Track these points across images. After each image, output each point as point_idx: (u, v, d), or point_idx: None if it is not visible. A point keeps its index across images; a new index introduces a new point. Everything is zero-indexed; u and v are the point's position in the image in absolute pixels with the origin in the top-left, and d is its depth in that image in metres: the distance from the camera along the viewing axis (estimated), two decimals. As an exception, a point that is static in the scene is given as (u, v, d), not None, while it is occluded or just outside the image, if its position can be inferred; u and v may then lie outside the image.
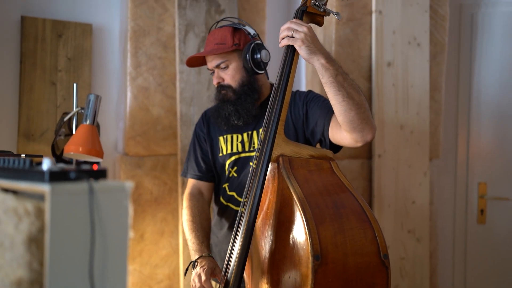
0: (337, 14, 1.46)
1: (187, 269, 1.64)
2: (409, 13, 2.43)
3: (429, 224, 2.48)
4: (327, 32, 2.38)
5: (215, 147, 1.80)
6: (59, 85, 2.15)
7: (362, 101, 1.43)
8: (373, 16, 2.38)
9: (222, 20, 1.80)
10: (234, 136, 1.75)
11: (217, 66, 1.70)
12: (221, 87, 1.71)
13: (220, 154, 1.78)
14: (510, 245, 2.71)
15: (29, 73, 2.09)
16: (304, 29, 1.39)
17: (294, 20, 1.43)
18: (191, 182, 1.84)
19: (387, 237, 2.35)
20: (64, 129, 1.91)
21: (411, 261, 2.40)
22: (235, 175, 1.75)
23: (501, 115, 2.76)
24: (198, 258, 1.62)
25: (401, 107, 2.41)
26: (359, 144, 1.49)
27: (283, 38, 1.43)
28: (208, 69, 1.76)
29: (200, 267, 1.57)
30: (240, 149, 1.74)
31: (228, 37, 1.67)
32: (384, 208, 2.36)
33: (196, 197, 1.79)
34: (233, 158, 1.75)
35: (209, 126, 1.82)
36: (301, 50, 1.39)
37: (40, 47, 2.12)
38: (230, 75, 1.69)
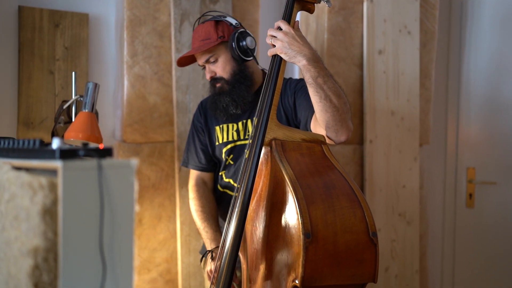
0: (327, 1, 1.51)
1: (203, 257, 1.70)
2: (399, 1, 2.48)
3: (419, 207, 2.55)
4: (320, 20, 2.43)
5: (212, 136, 1.86)
6: (57, 74, 2.19)
7: (341, 104, 1.46)
8: (365, 4, 2.43)
9: (202, 16, 1.85)
10: (230, 125, 1.81)
11: (207, 61, 1.76)
12: (214, 80, 1.77)
13: (217, 143, 1.84)
14: (498, 228, 2.79)
15: (27, 63, 2.13)
16: (281, 35, 1.43)
17: (279, 22, 1.47)
18: (194, 173, 1.90)
19: (378, 220, 2.42)
20: (64, 117, 1.95)
21: (402, 243, 2.48)
22: (231, 162, 1.81)
23: (490, 101, 2.83)
24: (215, 248, 1.69)
25: (392, 94, 2.47)
26: (333, 143, 1.53)
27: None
28: (199, 65, 1.81)
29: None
30: (235, 137, 1.80)
31: (212, 31, 1.72)
32: (375, 192, 2.43)
33: (202, 187, 1.86)
34: (229, 146, 1.81)
35: (206, 117, 1.88)
36: (282, 56, 1.44)
37: (37, 36, 2.15)
38: (221, 67, 1.75)
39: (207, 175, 1.89)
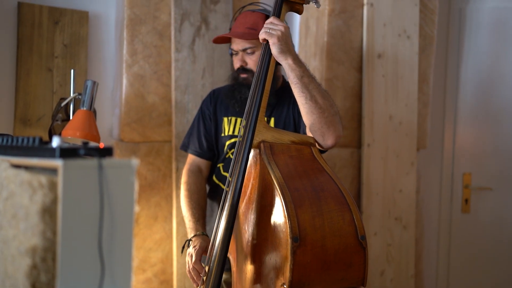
0: (316, 2, 1.49)
1: (183, 247, 1.70)
2: (399, 6, 2.48)
3: (415, 212, 2.56)
4: (320, 23, 2.43)
5: (219, 126, 1.84)
6: (56, 72, 2.18)
7: (327, 105, 1.43)
8: (365, 8, 2.43)
9: (253, 4, 1.83)
10: (238, 119, 1.79)
11: (244, 50, 1.72)
12: (243, 70, 1.73)
13: (222, 135, 1.82)
14: (493, 233, 2.80)
15: (25, 59, 2.12)
16: (281, 27, 1.43)
17: (272, 18, 1.46)
18: (191, 158, 1.87)
19: (374, 224, 2.43)
20: (61, 115, 1.94)
21: (397, 247, 2.48)
22: (231, 156, 1.79)
23: (486, 108, 2.84)
24: (192, 237, 1.67)
25: (390, 98, 2.47)
26: (322, 148, 1.48)
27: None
28: (230, 48, 1.76)
29: (193, 247, 1.62)
30: (241, 132, 1.79)
31: (261, 24, 1.65)
32: (372, 196, 2.43)
33: (195, 173, 1.84)
34: (232, 140, 1.79)
35: (216, 106, 1.85)
36: (274, 46, 1.41)
37: (36, 33, 2.14)
38: (255, 61, 1.70)
39: (204, 162, 1.86)
